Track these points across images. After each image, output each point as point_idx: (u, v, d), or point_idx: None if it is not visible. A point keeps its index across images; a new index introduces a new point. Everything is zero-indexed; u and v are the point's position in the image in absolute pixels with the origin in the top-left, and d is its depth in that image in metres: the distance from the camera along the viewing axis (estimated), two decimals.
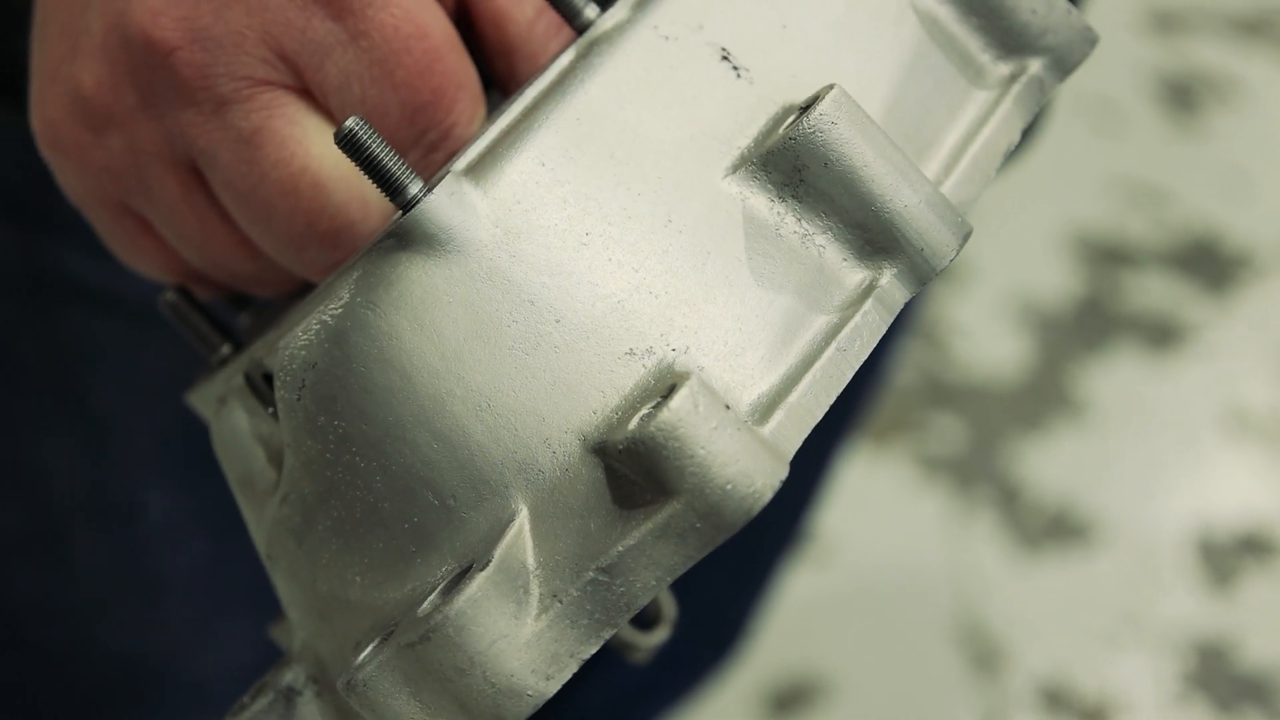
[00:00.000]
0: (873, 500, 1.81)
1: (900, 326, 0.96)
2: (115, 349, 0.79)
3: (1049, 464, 1.85)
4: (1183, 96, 2.31)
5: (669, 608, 0.55)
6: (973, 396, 1.93)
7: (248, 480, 0.49)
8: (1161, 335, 2.00)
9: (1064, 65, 0.51)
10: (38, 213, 0.76)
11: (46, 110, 0.51)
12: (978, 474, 1.84)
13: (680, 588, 0.96)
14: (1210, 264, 2.09)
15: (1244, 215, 2.15)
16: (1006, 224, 2.10)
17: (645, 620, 0.54)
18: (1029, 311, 2.03)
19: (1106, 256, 2.10)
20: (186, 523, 0.83)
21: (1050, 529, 1.80)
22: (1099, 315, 2.02)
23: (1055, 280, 2.06)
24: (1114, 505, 1.82)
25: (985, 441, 1.87)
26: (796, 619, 1.66)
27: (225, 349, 0.53)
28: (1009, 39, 0.51)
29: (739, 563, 1.09)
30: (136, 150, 0.50)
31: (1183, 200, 2.16)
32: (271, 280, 0.53)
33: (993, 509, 1.81)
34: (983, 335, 2.00)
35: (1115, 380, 1.94)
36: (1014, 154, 0.51)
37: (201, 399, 0.53)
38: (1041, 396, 1.92)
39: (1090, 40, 0.51)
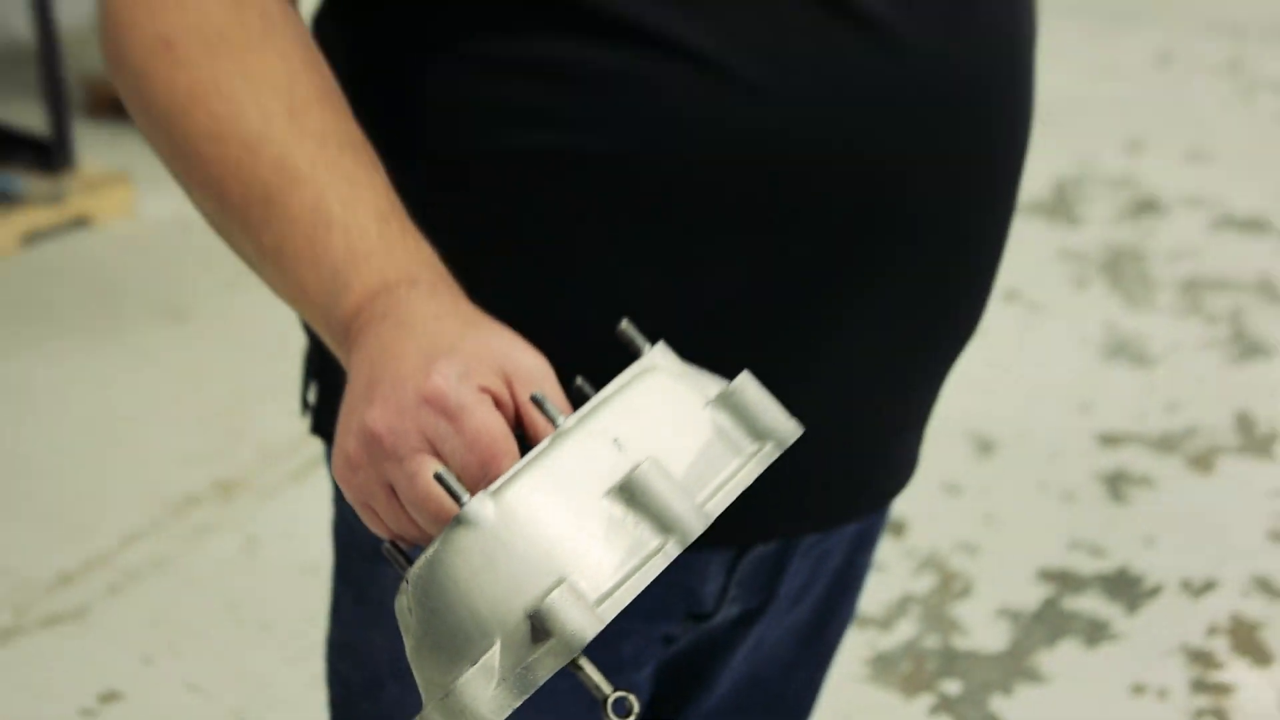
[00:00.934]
0: None
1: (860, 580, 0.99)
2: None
3: (1023, 713, 1.86)
4: (1116, 486, 2.34)
5: (638, 705, 0.58)
6: (969, 664, 1.94)
7: (406, 627, 0.59)
8: (1096, 633, 2.01)
9: (783, 444, 0.60)
10: None
11: (337, 460, 0.62)
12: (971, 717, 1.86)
13: None
14: (1130, 590, 2.10)
15: (1157, 561, 2.15)
16: (996, 557, 2.15)
17: (624, 711, 0.57)
18: (1005, 612, 2.05)
19: (1059, 579, 2.11)
20: None
21: None
22: (1055, 616, 2.03)
23: (1027, 593, 2.08)
24: None
25: (977, 695, 1.88)
26: None
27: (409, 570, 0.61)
28: (756, 432, 0.60)
29: None
30: (369, 481, 0.61)
31: (1114, 549, 2.19)
32: (428, 539, 0.60)
33: None
34: (979, 627, 2.02)
35: (1067, 659, 1.96)
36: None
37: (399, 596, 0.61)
38: (1015, 668, 1.93)
39: (796, 431, 0.60)
